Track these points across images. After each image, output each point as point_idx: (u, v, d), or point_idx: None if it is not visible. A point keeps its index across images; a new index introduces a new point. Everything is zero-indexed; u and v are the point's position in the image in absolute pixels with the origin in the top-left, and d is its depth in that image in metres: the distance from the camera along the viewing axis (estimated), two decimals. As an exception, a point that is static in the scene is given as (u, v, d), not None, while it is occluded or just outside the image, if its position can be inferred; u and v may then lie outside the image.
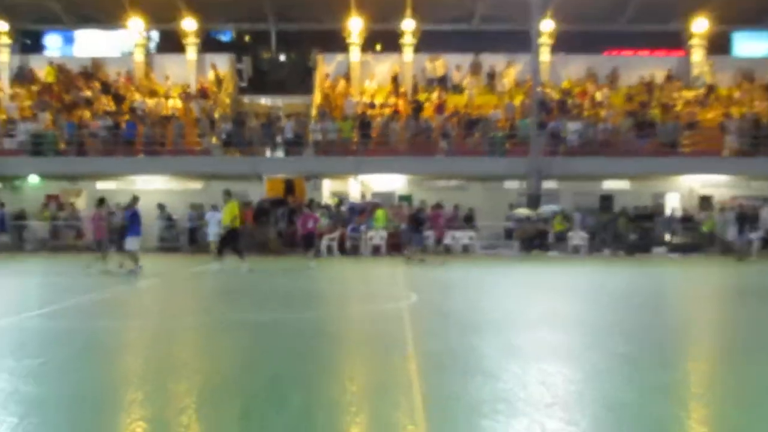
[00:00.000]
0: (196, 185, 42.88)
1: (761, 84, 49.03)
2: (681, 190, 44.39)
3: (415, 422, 8.19)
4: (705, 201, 43.94)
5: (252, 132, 44.52)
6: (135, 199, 27.43)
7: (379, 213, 39.22)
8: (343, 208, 40.62)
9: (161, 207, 39.86)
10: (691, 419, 8.76)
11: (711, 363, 12.36)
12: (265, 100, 49.91)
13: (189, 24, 47.70)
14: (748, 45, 51.59)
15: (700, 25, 48.39)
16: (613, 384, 10.28)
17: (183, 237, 40.62)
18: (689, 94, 47.87)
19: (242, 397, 9.56)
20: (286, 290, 22.31)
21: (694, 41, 49.14)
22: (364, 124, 44.26)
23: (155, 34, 54.11)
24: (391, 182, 43.68)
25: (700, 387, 10.61)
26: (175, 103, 46.72)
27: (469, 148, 43.04)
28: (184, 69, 48.70)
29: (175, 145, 43.46)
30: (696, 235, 41.57)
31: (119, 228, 27.64)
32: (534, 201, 40.41)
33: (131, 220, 26.96)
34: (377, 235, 38.67)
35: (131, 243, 26.60)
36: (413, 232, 34.30)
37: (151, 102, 46.49)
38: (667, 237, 42.02)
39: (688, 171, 43.40)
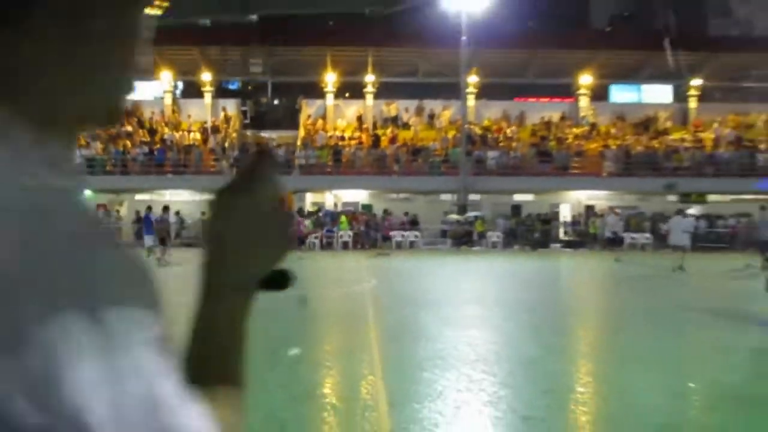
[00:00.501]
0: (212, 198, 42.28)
1: (631, 123, 49.31)
2: (571, 202, 44.63)
3: (374, 374, 8.27)
4: (589, 209, 44.24)
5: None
6: (149, 208, 26.91)
7: (343, 218, 38.89)
8: (321, 215, 40.44)
9: (177, 213, 38.78)
10: (579, 372, 8.88)
11: (594, 330, 12.49)
12: (263, 134, 49.55)
13: (206, 76, 47.50)
14: (621, 94, 51.68)
15: (586, 79, 48.55)
16: (522, 345, 10.34)
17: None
18: (577, 131, 48.00)
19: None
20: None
21: (581, 91, 49.27)
22: (336, 152, 44.23)
23: (180, 84, 53.72)
24: (357, 195, 43.52)
25: (587, 347, 10.77)
26: (195, 136, 46.49)
27: (414, 170, 42.99)
28: (202, 110, 48.38)
29: (196, 167, 43.28)
30: (582, 235, 41.77)
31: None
32: (462, 209, 40.33)
33: (145, 224, 26.76)
34: (345, 234, 38.40)
35: (146, 240, 26.09)
36: (375, 232, 34.42)
37: (177, 135, 46.26)
38: (562, 236, 42.27)
39: (576, 188, 43.64)
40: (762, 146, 46.06)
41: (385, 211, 37.71)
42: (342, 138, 46.71)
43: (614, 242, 37.33)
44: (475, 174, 41.89)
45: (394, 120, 49.05)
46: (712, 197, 43.60)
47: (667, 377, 8.36)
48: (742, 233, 29.60)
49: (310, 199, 43.88)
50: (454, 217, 39.96)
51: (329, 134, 47.11)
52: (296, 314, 13.23)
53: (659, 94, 51.41)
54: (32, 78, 0.68)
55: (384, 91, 50.22)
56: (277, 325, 12.20)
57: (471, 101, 47.89)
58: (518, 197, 44.08)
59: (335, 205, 43.32)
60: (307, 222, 37.36)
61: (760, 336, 11.16)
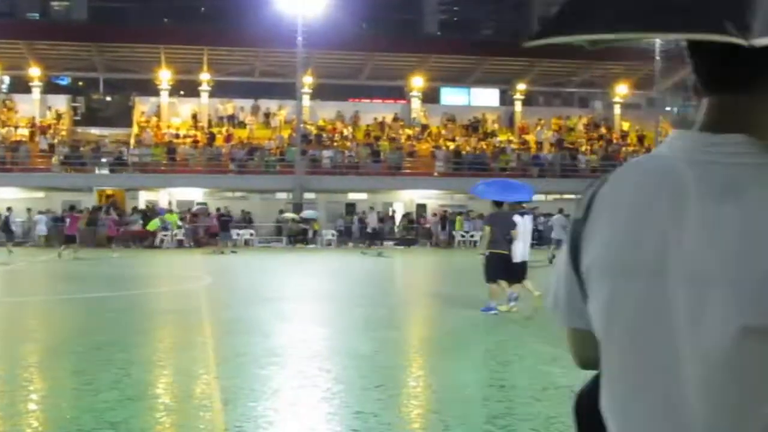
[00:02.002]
0: (39, 195, 41.71)
1: (461, 125, 51.71)
2: (404, 201, 46.26)
3: (208, 372, 8.23)
4: (421, 208, 45.91)
5: (84, 155, 44.15)
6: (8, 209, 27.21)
7: (171, 216, 38.71)
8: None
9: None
10: (411, 366, 9.12)
11: (424, 324, 12.95)
12: (94, 131, 49.19)
13: (34, 71, 46.49)
14: (451, 96, 54.03)
15: (417, 82, 50.27)
16: (355, 340, 10.48)
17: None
18: (410, 131, 49.92)
19: (75, 355, 9.44)
20: (104, 275, 21.63)
21: (413, 93, 50.95)
22: (171, 150, 44.40)
23: (6, 78, 52.42)
24: (192, 194, 43.70)
25: (418, 342, 11.03)
26: (23, 133, 45.54)
27: (250, 169, 43.73)
28: (31, 106, 47.40)
29: (23, 164, 42.67)
30: (414, 232, 43.64)
31: None
32: (298, 207, 41.11)
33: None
34: (179, 232, 38.43)
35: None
36: (222, 230, 35.34)
37: (3, 131, 45.35)
38: (398, 233, 43.80)
39: (409, 187, 45.28)
40: (582, 148, 49.92)
41: (219, 210, 38.32)
42: (177, 136, 46.86)
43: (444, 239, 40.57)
44: (310, 173, 42.91)
45: (230, 118, 49.56)
46: (536, 197, 46.88)
47: (492, 369, 8.83)
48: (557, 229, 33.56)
49: (143, 198, 43.90)
50: (290, 215, 40.75)
51: (163, 132, 47.32)
52: (128, 313, 13.26)
53: (487, 97, 54.18)
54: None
55: (220, 90, 50.71)
56: (109, 323, 12.07)
57: (306, 101, 48.88)
58: (353, 196, 45.32)
59: (169, 203, 43.18)
60: (156, 221, 37.81)
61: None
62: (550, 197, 46.93)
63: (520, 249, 13.49)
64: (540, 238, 38.97)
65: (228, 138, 47.24)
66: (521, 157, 47.47)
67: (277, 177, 43.53)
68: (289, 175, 42.69)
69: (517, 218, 13.51)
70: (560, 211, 31.17)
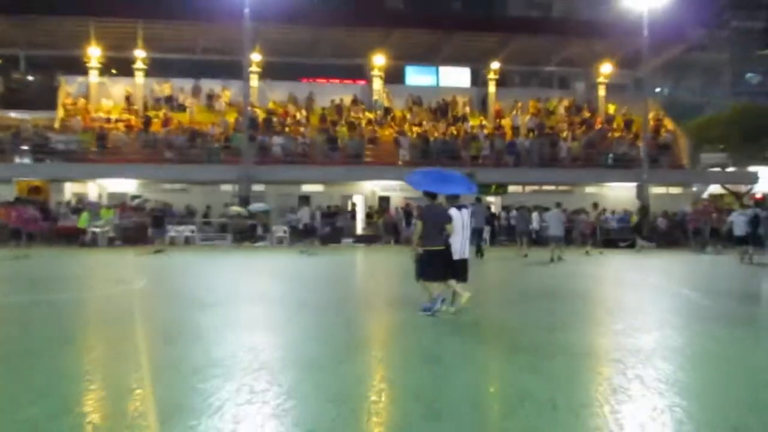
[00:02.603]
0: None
1: (428, 108, 52.11)
2: (365, 193, 46.41)
3: (143, 386, 8.13)
4: (384, 201, 46.12)
5: (2, 141, 43.50)
6: None
7: (103, 212, 38.57)
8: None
9: None
10: (370, 377, 8.99)
11: (384, 329, 12.80)
12: (14, 115, 48.65)
13: None
14: (417, 76, 54.17)
15: (379, 60, 50.57)
16: (309, 349, 10.35)
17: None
18: (371, 115, 50.16)
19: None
20: (25, 276, 21.39)
21: (374, 73, 51.26)
22: (101, 136, 44.06)
23: None
24: (125, 185, 43.36)
25: (380, 350, 10.85)
26: None
27: (191, 157, 43.53)
28: None
29: None
30: (375, 229, 43.72)
31: None
32: (245, 201, 41.03)
33: None
34: (110, 229, 37.92)
35: None
36: (155, 227, 35.20)
37: None
38: (360, 230, 44.14)
39: (370, 178, 45.34)
40: (563, 134, 50.15)
41: (166, 204, 38.14)
42: (108, 120, 46.61)
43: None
44: (258, 162, 42.96)
45: (168, 101, 49.50)
46: (512, 188, 46.79)
47: (467, 377, 8.90)
48: (519, 225, 34.05)
49: (70, 190, 43.62)
50: (236, 209, 40.49)
51: (93, 116, 47.04)
52: (51, 319, 13.23)
53: (457, 77, 54.58)
54: None
55: (156, 69, 50.46)
56: (30, 331, 12.00)
57: (254, 81, 48.96)
58: (307, 188, 45.43)
59: (99, 196, 43.21)
60: (85, 215, 37.62)
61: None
62: (528, 189, 47.36)
63: (458, 245, 13.70)
64: (509, 232, 39.33)
65: (165, 123, 47.05)
66: (495, 145, 47.72)
67: (221, 167, 43.38)
68: (234, 165, 42.62)
69: (453, 212, 13.68)
70: (558, 205, 31.46)
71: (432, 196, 13.82)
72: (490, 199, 47.08)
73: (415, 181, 14.45)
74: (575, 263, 28.23)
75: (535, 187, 47.39)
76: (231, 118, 47.69)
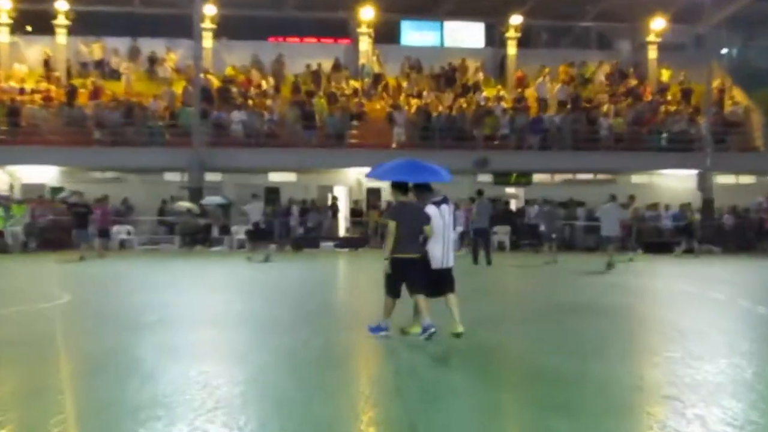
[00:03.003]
0: None
1: (430, 75, 52.10)
2: (349, 183, 46.58)
3: (66, 430, 8.07)
4: (373, 194, 46.17)
5: None
6: None
7: (15, 208, 38.49)
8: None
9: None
10: (358, 418, 8.88)
11: (366, 356, 12.98)
12: None
13: None
14: (416, 34, 54.23)
15: (367, 13, 50.48)
16: (278, 382, 10.41)
17: None
18: (356, 85, 50.27)
19: None
20: None
21: (362, 29, 51.32)
22: (12, 111, 43.89)
23: None
24: (43, 174, 43.51)
25: (363, 383, 10.96)
26: None
27: (128, 138, 43.52)
28: None
29: None
30: (364, 230, 44.07)
31: None
32: (196, 194, 41.10)
33: None
34: (21, 231, 38.08)
35: None
36: (76, 227, 35.01)
37: None
38: (343, 230, 44.43)
39: (356, 164, 44.57)
40: (604, 108, 49.99)
41: (103, 198, 37.81)
42: (21, 91, 46.52)
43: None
44: (213, 144, 43.22)
45: (98, 66, 49.55)
46: (538, 177, 47.01)
47: (473, 417, 8.87)
48: (546, 225, 33.86)
49: None
50: (185, 205, 40.32)
51: (2, 85, 46.91)
52: None
53: (467, 35, 54.69)
54: None
55: (83, 25, 50.11)
56: None
57: (208, 41, 49.23)
58: (275, 177, 45.51)
59: (11, 188, 43.13)
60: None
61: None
62: (558, 178, 47.40)
63: (439, 252, 13.52)
64: (534, 234, 39.33)
65: (95, 94, 47.02)
66: (516, 122, 47.77)
67: (166, 151, 43.50)
68: (183, 148, 42.74)
69: (431, 210, 13.46)
70: (612, 198, 31.32)
71: (403, 189, 13.69)
72: (510, 191, 47.14)
73: (379, 174, 14.46)
74: (616, 272, 28.21)
75: (567, 176, 47.41)
76: (178, 89, 47.74)
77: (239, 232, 40.64)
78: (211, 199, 40.46)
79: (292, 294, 22.02)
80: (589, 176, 47.08)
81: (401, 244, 13.26)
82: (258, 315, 17.14)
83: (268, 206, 42.65)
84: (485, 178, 45.47)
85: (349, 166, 46.02)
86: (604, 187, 41.08)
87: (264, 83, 49.75)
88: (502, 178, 46.12)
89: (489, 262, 30.58)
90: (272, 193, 44.76)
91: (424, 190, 13.80)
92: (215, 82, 48.61)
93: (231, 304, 19.28)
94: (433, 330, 13.19)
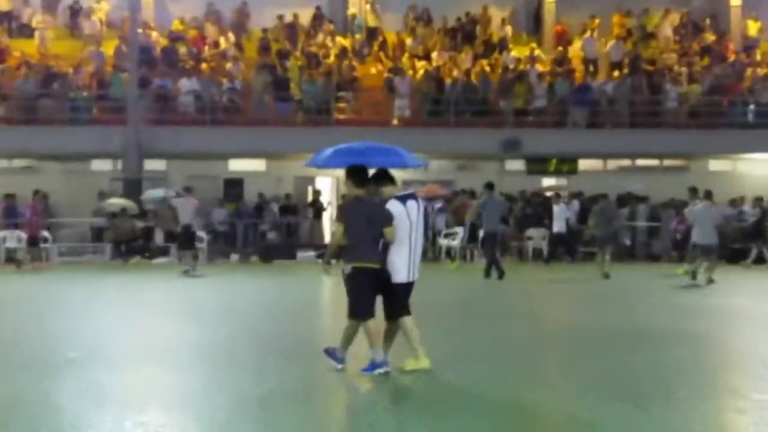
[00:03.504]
0: None
1: (441, 29, 52.16)
2: (336, 174, 44.51)
3: None
4: (488, 188, 45.71)
5: None
6: None
7: None
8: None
9: None
10: None
11: (323, 403, 12.98)
12: None
13: None
14: None
15: None
16: None
17: None
18: (344, 42, 50.44)
19: None
20: None
21: None
22: None
23: None
24: None
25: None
26: None
27: (43, 115, 43.82)
28: None
29: None
30: None
31: None
32: (132, 187, 41.37)
33: None
34: None
35: None
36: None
37: None
38: (328, 236, 43.48)
39: None
40: (673, 71, 49.88)
41: (40, 193, 37.80)
42: None
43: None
44: (155, 122, 43.52)
45: (3, 19, 49.70)
46: (585, 164, 47.54)
47: None
48: (598, 227, 33.79)
49: None
50: (118, 202, 40.74)
51: None
52: None
53: (491, -24, 54.36)
54: None
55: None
56: None
57: None
58: (237, 165, 45.96)
59: None
60: None
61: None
62: (611, 165, 47.50)
63: (404, 261, 13.72)
64: (592, 240, 39.41)
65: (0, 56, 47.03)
66: (556, 90, 47.96)
67: (94, 130, 43.67)
68: (115, 127, 43.05)
69: (394, 207, 13.63)
70: (707, 195, 31.43)
71: (360, 179, 13.73)
72: (548, 182, 47.12)
73: (320, 161, 14.62)
74: (678, 288, 28.56)
75: (624, 162, 47.51)
76: (109, 49, 47.99)
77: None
78: (152, 194, 40.40)
79: (253, 320, 22.10)
80: (653, 162, 47.10)
81: (359, 249, 13.50)
82: (212, 348, 17.19)
83: (230, 204, 42.92)
84: (515, 165, 46.07)
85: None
86: (673, 177, 41.34)
87: (222, 41, 49.91)
88: (538, 165, 46.17)
89: (501, 275, 31.01)
90: (234, 186, 45.20)
91: (384, 179, 13.90)
92: (159, 40, 48.88)
93: (176, 334, 19.39)
94: (383, 370, 13.60)
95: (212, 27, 50.73)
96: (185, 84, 45.52)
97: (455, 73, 48.74)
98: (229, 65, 47.85)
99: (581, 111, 47.19)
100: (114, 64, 46.70)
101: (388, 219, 13.42)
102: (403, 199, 13.76)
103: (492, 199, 32.66)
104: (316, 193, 45.99)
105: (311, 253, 42.39)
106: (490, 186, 33.05)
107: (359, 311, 13.62)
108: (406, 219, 13.59)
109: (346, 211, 13.81)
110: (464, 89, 47.24)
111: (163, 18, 50.69)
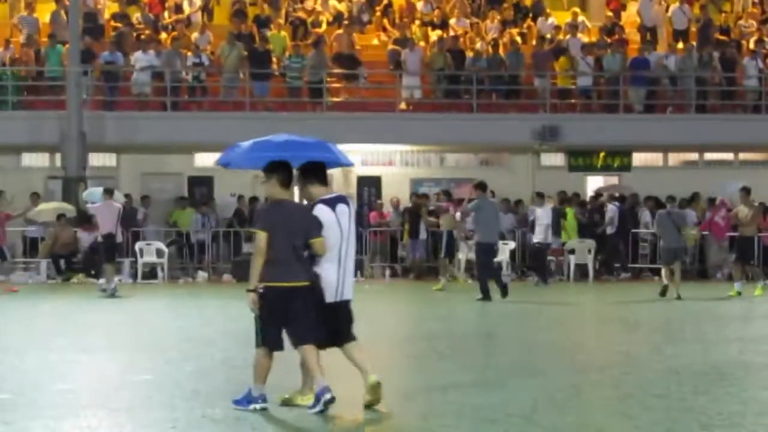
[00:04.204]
0: None
1: None
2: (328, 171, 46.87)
3: None
4: (369, 188, 46.58)
5: None
6: None
7: None
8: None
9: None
10: None
11: None
12: None
13: None
14: None
15: None
16: None
17: None
18: (339, 6, 50.56)
19: None
20: None
21: None
22: None
23: None
24: None
25: None
26: None
27: None
28: None
29: None
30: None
31: None
32: (71, 185, 41.17)
33: None
34: None
35: None
36: None
37: None
38: None
39: (340, 138, 42.04)
40: (752, 42, 50.20)
41: None
42: None
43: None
44: (102, 106, 44.02)
45: None
46: (641, 158, 48.03)
47: None
48: (664, 237, 33.82)
49: None
50: (51, 207, 40.91)
51: None
52: None
53: None
54: None
55: None
56: None
57: None
58: (206, 160, 45.25)
59: None
60: None
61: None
62: (675, 160, 47.73)
63: (331, 277, 13.83)
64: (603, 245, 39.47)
65: None
66: (605, 65, 47.99)
67: (26, 116, 43.96)
68: (53, 111, 43.22)
69: (322, 212, 13.66)
70: None
71: (284, 178, 13.75)
72: (595, 181, 47.23)
73: (236, 157, 14.69)
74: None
75: (692, 157, 47.58)
76: (43, 16, 48.15)
77: (149, 250, 41.01)
78: (94, 193, 39.94)
79: (221, 352, 22.43)
80: (728, 156, 47.17)
81: (277, 265, 13.46)
82: (172, 389, 17.02)
83: (198, 208, 43.04)
84: (554, 159, 46.41)
85: (329, 142, 45.36)
86: (752, 174, 41.28)
87: (186, 4, 49.98)
88: (582, 159, 46.18)
89: (504, 293, 31.47)
90: (201, 185, 45.53)
91: (312, 175, 13.93)
92: (106, 4, 49.06)
93: (128, 372, 19.24)
94: (329, 397, 13.48)
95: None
96: (140, 58, 45.35)
97: (478, 44, 48.80)
98: (194, 35, 47.91)
99: (636, 91, 47.40)
100: (50, 33, 46.50)
101: (315, 228, 13.48)
102: (332, 202, 13.74)
103: (486, 202, 32.94)
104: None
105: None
106: (482, 186, 33.18)
107: (268, 340, 13.72)
108: (337, 227, 13.65)
109: (265, 216, 13.96)
110: (489, 64, 47.31)
111: (111, -24, 50.42)
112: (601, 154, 45.93)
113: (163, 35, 47.58)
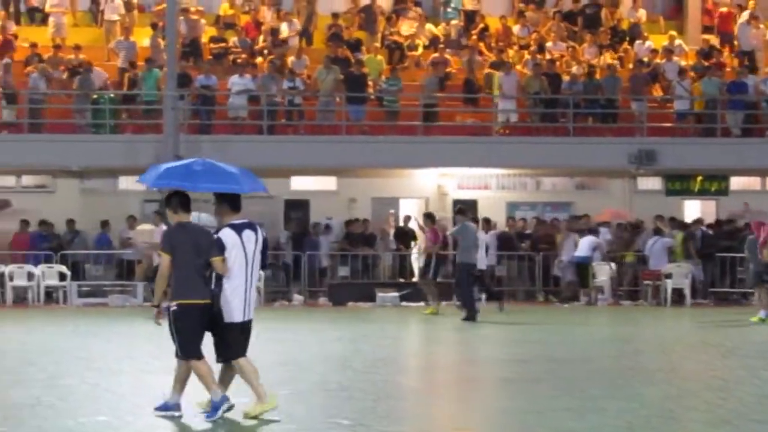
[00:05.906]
0: None
1: (557, 12, 52.33)
2: (425, 193, 47.03)
3: None
4: (464, 210, 44.20)
5: None
6: None
7: None
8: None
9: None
10: None
11: None
12: None
13: None
14: None
15: None
16: None
17: None
18: (436, 31, 50.72)
19: None
20: None
21: None
22: None
23: None
24: None
25: None
26: None
27: (54, 121, 44.63)
28: None
29: None
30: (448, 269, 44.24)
31: None
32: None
33: None
34: None
35: None
36: None
37: None
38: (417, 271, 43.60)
39: (435, 162, 45.30)
40: None
41: None
42: None
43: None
44: (198, 130, 44.33)
45: (10, 3, 49.70)
46: (740, 182, 47.81)
47: None
48: (753, 261, 33.71)
49: None
50: (151, 229, 40.07)
51: None
52: None
53: (619, -54, 54.36)
54: None
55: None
56: None
57: None
58: (302, 183, 46.28)
59: None
60: None
61: None
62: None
63: (239, 298, 14.25)
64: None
65: (3, 47, 47.53)
66: (704, 90, 47.61)
67: (121, 140, 44.33)
68: (150, 136, 43.64)
69: (227, 234, 14.18)
70: None
71: (181, 203, 14.40)
72: (692, 206, 47.05)
73: (151, 179, 15.13)
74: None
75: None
76: (141, 40, 48.45)
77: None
78: (203, 218, 40.47)
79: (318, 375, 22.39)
80: None
81: (183, 283, 14.04)
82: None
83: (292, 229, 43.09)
84: (650, 183, 46.19)
85: (426, 166, 46.29)
86: None
87: (283, 29, 50.12)
88: (680, 182, 46.06)
89: (501, 307, 32.99)
90: (297, 208, 45.57)
91: (224, 203, 14.59)
92: (203, 28, 49.30)
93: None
94: (226, 407, 14.37)
95: (269, 11, 51.05)
96: (236, 82, 45.64)
97: (574, 68, 48.92)
98: (290, 59, 48.09)
99: (734, 115, 47.17)
100: (147, 58, 46.85)
101: (216, 248, 13.97)
102: (238, 228, 14.27)
103: (467, 227, 34.15)
104: (405, 219, 45.75)
105: (393, 294, 42.39)
106: (462, 212, 35.45)
107: (186, 351, 14.22)
108: (241, 251, 14.14)
109: (168, 238, 14.40)
110: (586, 88, 47.33)
111: (208, 1, 51.01)
112: (699, 178, 45.75)
113: (259, 59, 47.77)
